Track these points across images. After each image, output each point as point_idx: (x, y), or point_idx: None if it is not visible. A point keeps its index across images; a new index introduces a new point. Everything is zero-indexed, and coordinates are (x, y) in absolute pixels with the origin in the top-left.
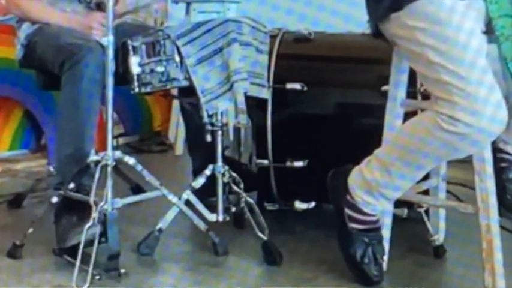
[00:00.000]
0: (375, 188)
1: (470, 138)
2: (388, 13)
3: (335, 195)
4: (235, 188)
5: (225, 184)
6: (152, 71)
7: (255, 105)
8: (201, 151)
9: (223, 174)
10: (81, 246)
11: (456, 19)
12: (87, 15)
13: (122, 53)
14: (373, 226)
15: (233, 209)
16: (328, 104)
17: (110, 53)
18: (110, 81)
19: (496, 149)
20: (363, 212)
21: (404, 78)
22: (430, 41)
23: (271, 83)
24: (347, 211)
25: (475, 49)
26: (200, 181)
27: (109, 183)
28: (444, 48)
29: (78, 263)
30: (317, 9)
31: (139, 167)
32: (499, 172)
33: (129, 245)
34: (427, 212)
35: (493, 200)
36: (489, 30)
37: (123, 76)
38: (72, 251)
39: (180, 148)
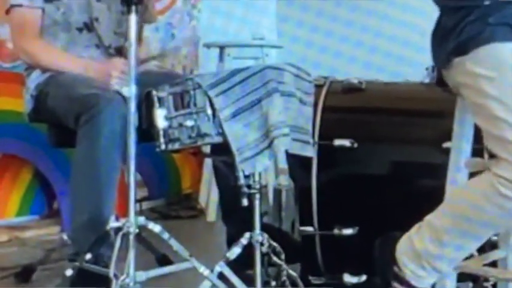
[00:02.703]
0: (425, 260)
1: None
2: (452, 57)
3: (381, 267)
4: (275, 259)
5: (263, 255)
6: (180, 125)
7: (298, 164)
8: (236, 217)
9: (262, 244)
10: None
11: None
12: (106, 62)
13: (145, 105)
14: None
15: (273, 283)
16: (382, 163)
17: (133, 105)
18: (132, 137)
19: None
20: (412, 287)
21: (469, 132)
22: (494, 92)
23: (316, 139)
24: (395, 285)
25: None
26: (235, 251)
27: (131, 253)
28: (510, 101)
29: None
30: (369, 51)
31: (165, 235)
32: None
33: None
34: (494, 286)
35: None
36: None
37: (147, 131)
38: None
39: (212, 213)
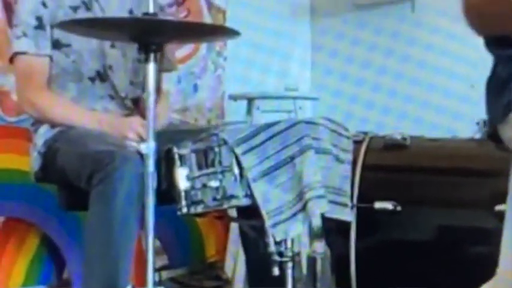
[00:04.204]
0: None
1: None
2: (508, 111)
3: None
4: None
5: None
6: (204, 186)
7: (334, 229)
8: (266, 287)
9: None
10: None
11: None
12: (121, 120)
13: (165, 164)
14: None
15: None
16: (427, 227)
17: (151, 163)
18: (150, 199)
19: None
20: None
21: None
22: None
23: (355, 202)
24: None
25: None
26: None
27: None
28: None
29: None
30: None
31: None
32: None
33: None
34: None
35: None
36: None
37: (167, 193)
38: None
39: (239, 284)
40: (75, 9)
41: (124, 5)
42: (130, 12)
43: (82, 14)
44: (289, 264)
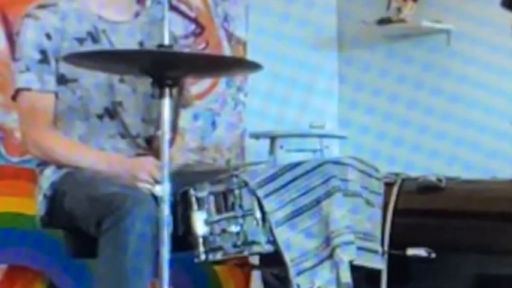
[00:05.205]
0: None
1: None
2: None
3: None
4: None
5: None
6: (224, 231)
7: (364, 277)
8: None
9: None
10: None
11: None
12: (133, 160)
13: (182, 207)
14: None
15: None
16: (464, 276)
17: (166, 206)
18: (165, 245)
19: None
20: None
21: None
22: None
23: (386, 248)
24: None
25: None
26: None
27: None
28: None
29: None
30: (452, 143)
31: None
32: None
33: None
34: None
35: None
36: None
37: (183, 238)
38: None
39: None
40: (81, 41)
41: (134, 36)
42: (141, 44)
43: (88, 47)
44: None
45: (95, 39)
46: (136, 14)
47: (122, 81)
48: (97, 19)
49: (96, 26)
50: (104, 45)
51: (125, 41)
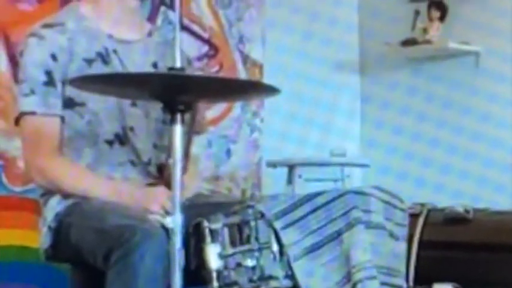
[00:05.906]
0: None
1: None
2: None
3: None
4: None
5: None
6: (239, 265)
7: None
8: None
9: None
10: None
11: None
12: (144, 190)
13: (194, 240)
14: None
15: None
16: None
17: (178, 239)
18: (177, 280)
19: None
20: None
21: None
22: None
23: (411, 284)
24: None
25: None
26: None
27: None
28: None
29: None
30: (476, 181)
31: None
32: None
33: None
34: None
35: None
36: None
37: (196, 273)
38: None
39: None
40: (90, 62)
41: (148, 57)
42: (155, 65)
43: (98, 68)
44: None
45: (105, 60)
46: (150, 33)
47: (133, 105)
48: (107, 39)
49: (107, 46)
50: (115, 66)
51: (138, 61)
